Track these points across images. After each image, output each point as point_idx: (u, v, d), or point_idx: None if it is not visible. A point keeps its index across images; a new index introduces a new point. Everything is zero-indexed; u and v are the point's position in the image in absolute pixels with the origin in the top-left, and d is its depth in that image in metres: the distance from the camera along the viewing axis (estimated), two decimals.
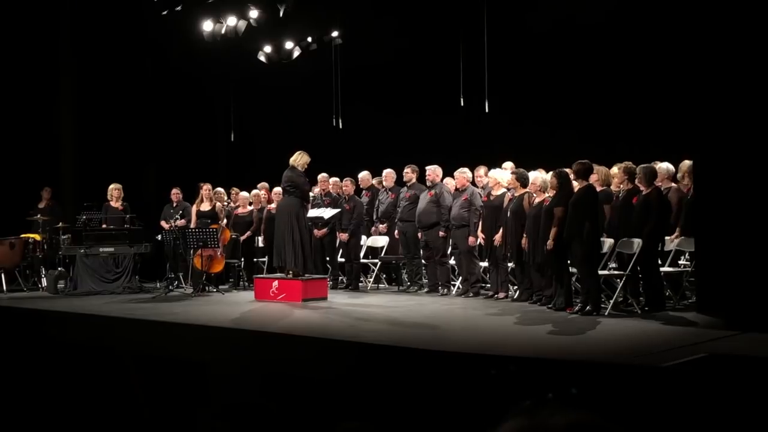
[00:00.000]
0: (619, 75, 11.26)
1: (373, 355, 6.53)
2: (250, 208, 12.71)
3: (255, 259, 12.67)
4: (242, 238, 12.38)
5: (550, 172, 9.08)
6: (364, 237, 12.02)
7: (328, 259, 12.05)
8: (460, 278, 10.83)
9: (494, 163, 10.87)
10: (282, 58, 13.29)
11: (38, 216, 12.80)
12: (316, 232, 11.63)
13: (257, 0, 12.18)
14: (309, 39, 13.30)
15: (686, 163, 9.27)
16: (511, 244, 9.68)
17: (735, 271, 7.51)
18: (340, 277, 12.12)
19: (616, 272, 8.82)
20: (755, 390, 4.75)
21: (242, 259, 12.45)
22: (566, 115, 11.78)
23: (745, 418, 4.53)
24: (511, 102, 12.14)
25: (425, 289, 11.10)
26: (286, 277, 10.37)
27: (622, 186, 9.12)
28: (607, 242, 8.83)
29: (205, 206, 11.94)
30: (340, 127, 13.48)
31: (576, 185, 8.74)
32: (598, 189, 9.02)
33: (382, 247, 11.96)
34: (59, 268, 12.19)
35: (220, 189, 12.64)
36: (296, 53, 13.25)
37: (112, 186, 12.49)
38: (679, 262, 9.58)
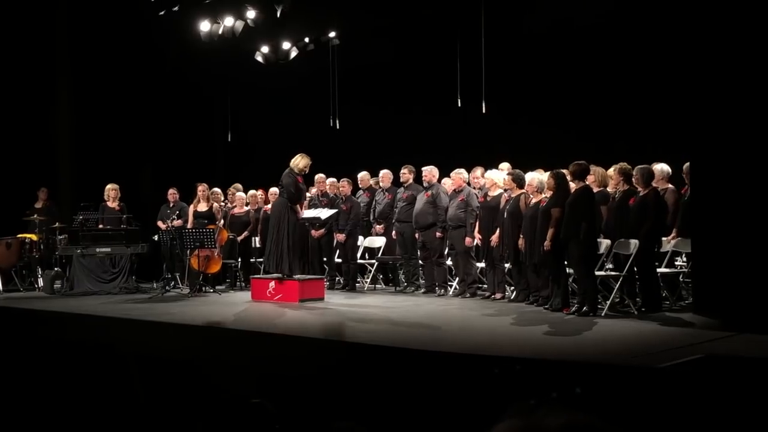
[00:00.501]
0: (615, 76, 11.27)
1: (370, 356, 6.53)
2: (246, 208, 12.71)
3: (252, 260, 12.66)
4: (239, 238, 12.38)
5: (547, 173, 9.09)
6: (361, 237, 12.02)
7: (325, 259, 12.05)
8: (457, 279, 10.84)
9: (492, 164, 10.87)
10: (279, 58, 13.28)
11: (35, 216, 12.78)
12: (313, 232, 11.62)
13: (254, 0, 12.17)
14: (306, 39, 13.30)
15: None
16: (508, 244, 9.69)
17: (731, 272, 7.52)
18: (337, 278, 12.12)
19: (612, 273, 8.83)
20: (752, 391, 4.75)
21: (239, 260, 12.45)
22: (563, 116, 11.79)
23: (742, 418, 4.54)
24: (508, 103, 12.13)
25: (422, 290, 11.09)
26: (282, 277, 10.37)
27: (618, 187, 9.13)
28: (604, 243, 8.84)
29: (202, 207, 11.93)
30: (337, 127, 13.47)
31: (573, 186, 8.74)
32: (595, 190, 9.03)
33: (379, 248, 11.96)
34: (56, 269, 12.17)
35: (217, 189, 12.63)
36: (293, 53, 13.24)
37: (109, 186, 12.47)
38: (676, 263, 9.59)
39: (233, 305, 10.06)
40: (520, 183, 9.70)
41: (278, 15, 11.89)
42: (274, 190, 11.96)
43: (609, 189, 9.40)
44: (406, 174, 11.38)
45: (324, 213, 11.40)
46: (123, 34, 14.19)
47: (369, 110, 13.55)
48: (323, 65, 13.39)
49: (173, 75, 14.76)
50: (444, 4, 12.54)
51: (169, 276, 11.95)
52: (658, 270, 8.88)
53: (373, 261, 12.01)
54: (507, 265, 10.06)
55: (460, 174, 10.69)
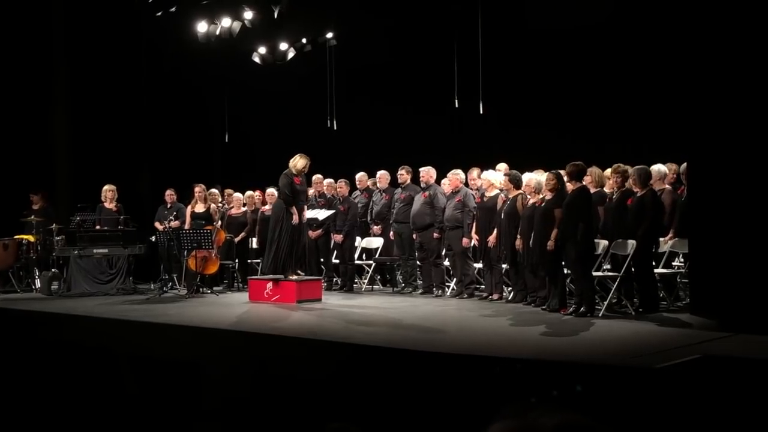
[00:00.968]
0: (612, 77, 11.26)
1: (367, 356, 6.52)
2: (244, 209, 12.71)
3: (249, 261, 12.65)
4: (236, 239, 12.37)
5: (548, 173, 9.08)
6: (358, 238, 12.01)
7: (322, 260, 12.04)
8: (455, 279, 10.84)
9: (489, 164, 10.88)
10: (276, 59, 13.27)
11: (32, 217, 12.76)
12: (310, 233, 11.62)
13: (252, 1, 12.18)
14: (303, 40, 13.29)
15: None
16: (505, 245, 9.70)
17: (728, 272, 7.52)
18: (334, 279, 12.12)
19: (610, 273, 8.83)
20: (749, 391, 4.76)
21: (236, 261, 12.44)
22: (560, 117, 11.78)
23: (739, 419, 4.54)
24: (506, 104, 12.14)
25: (420, 291, 11.10)
26: (279, 278, 10.37)
27: (615, 187, 9.13)
28: (601, 244, 8.84)
29: (200, 208, 11.92)
30: (335, 128, 13.47)
31: (569, 187, 8.74)
32: (592, 191, 9.03)
33: (377, 249, 11.96)
34: (53, 270, 12.16)
35: (214, 190, 12.62)
36: (291, 54, 13.24)
37: (106, 187, 12.47)
38: (673, 263, 9.60)
39: (231, 306, 10.06)
40: (517, 184, 9.70)
41: (275, 16, 11.91)
42: (271, 190, 11.96)
43: (606, 189, 9.41)
44: (404, 175, 11.38)
45: (321, 214, 11.40)
46: (120, 34, 14.20)
47: (366, 111, 13.55)
48: (320, 66, 13.39)
49: (170, 76, 14.75)
50: (441, 5, 12.54)
51: (167, 277, 11.94)
52: (656, 270, 8.89)
53: (371, 262, 12.01)
54: (504, 266, 10.06)
55: (457, 175, 10.69)
